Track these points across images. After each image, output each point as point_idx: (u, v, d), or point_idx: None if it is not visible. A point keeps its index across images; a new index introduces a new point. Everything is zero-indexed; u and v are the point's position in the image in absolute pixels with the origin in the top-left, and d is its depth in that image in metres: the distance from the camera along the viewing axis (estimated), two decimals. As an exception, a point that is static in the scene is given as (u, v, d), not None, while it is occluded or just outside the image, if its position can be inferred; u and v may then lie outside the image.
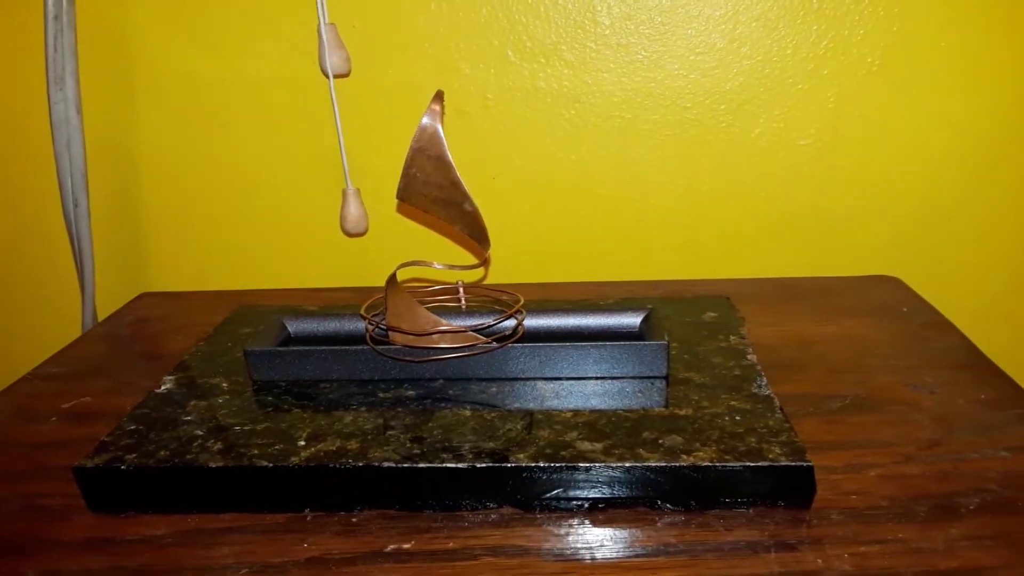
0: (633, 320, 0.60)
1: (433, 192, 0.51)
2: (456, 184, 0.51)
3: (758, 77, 0.76)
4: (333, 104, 0.74)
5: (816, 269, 0.81)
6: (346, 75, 0.74)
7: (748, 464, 0.44)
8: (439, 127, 0.50)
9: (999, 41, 0.74)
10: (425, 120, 0.50)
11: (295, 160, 0.80)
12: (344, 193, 0.76)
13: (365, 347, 0.55)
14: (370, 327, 0.57)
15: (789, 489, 0.44)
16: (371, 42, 0.76)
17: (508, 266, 0.82)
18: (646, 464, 0.44)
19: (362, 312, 0.58)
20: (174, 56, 0.77)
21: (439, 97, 0.50)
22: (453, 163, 0.51)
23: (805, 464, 0.44)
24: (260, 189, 0.82)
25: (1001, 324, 0.82)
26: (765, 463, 0.44)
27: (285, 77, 0.77)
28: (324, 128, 0.77)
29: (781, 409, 0.49)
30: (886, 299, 0.72)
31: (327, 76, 0.72)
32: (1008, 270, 0.81)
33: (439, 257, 0.81)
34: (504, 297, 0.61)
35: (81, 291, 0.80)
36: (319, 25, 0.71)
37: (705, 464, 0.44)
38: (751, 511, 0.45)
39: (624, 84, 0.76)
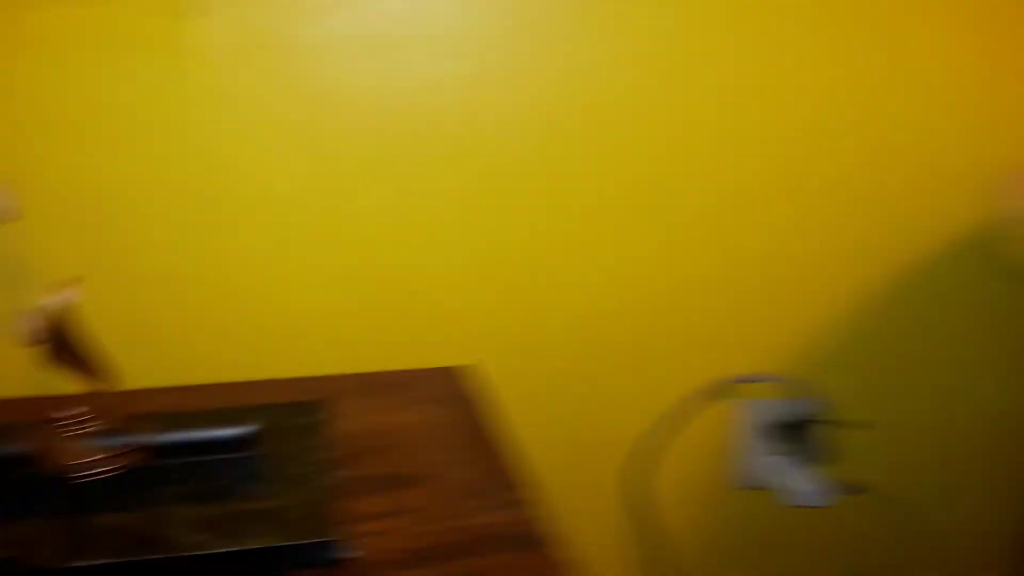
0: (236, 431, 0.76)
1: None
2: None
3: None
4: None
5: (411, 360, 1.01)
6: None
7: (299, 542, 0.63)
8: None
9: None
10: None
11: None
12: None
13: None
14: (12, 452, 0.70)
15: (335, 556, 0.64)
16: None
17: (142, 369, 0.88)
18: (241, 548, 0.62)
19: None
20: None
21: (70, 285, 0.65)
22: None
23: (334, 540, 0.64)
24: None
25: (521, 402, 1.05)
26: (309, 540, 0.63)
27: None
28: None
29: (338, 494, 0.69)
30: (453, 389, 0.94)
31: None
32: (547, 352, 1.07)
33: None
34: (132, 413, 0.75)
35: None
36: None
37: (268, 545, 0.63)
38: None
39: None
